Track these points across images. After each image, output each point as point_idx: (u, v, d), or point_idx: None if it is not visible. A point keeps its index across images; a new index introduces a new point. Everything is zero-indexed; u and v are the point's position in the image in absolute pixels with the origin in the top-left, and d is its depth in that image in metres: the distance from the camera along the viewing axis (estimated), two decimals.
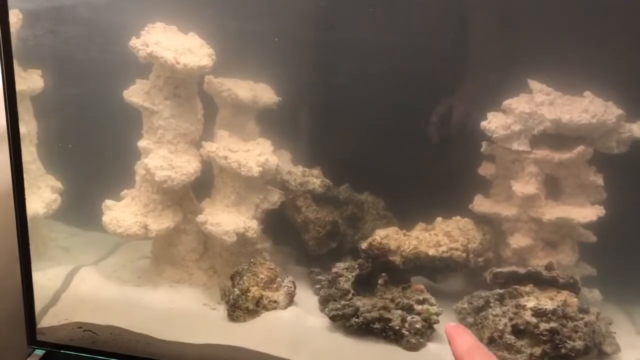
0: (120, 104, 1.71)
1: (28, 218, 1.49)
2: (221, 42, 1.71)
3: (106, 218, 1.69)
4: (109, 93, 1.74)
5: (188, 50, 1.64)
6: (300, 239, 1.88)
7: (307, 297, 1.74)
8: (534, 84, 1.69)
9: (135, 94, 1.69)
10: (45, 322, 1.60)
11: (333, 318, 1.58)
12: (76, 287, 1.72)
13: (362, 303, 1.59)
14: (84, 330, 1.58)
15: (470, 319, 1.63)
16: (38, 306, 1.60)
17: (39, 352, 1.61)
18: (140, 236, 1.68)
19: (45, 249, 1.87)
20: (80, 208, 1.94)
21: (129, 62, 1.66)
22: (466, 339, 0.82)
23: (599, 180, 1.69)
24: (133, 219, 1.69)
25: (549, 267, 1.63)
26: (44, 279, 1.69)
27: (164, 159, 1.67)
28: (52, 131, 1.82)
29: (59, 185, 1.84)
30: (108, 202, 1.73)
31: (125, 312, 1.62)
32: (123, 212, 1.71)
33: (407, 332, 1.55)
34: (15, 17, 1.55)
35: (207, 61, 1.64)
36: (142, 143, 1.71)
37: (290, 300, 1.67)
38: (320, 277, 1.77)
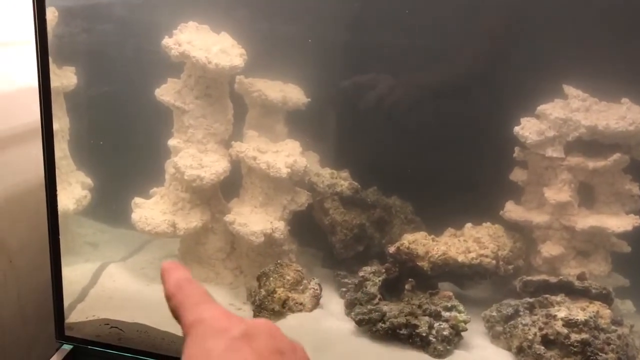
0: (151, 102, 1.73)
1: (59, 213, 1.51)
2: (252, 42, 1.71)
3: (135, 215, 1.70)
4: (141, 91, 1.76)
5: (220, 50, 1.64)
6: (326, 242, 1.87)
7: (333, 300, 1.73)
8: (569, 90, 1.66)
9: (166, 92, 1.70)
10: (73, 317, 1.62)
11: (359, 322, 1.57)
12: (104, 283, 1.73)
13: (389, 308, 1.57)
14: (111, 327, 1.59)
15: (499, 328, 1.60)
16: (66, 301, 1.62)
17: (67, 347, 1.62)
18: (169, 234, 1.69)
19: (74, 245, 1.89)
20: (109, 205, 1.96)
21: (162, 60, 1.67)
22: (177, 274, 0.69)
23: (635, 189, 1.65)
24: (162, 217, 1.69)
25: (581, 277, 1.59)
26: (72, 275, 1.71)
27: (193, 158, 1.68)
28: (83, 128, 1.84)
29: (89, 181, 1.86)
30: (137, 200, 1.74)
31: (151, 310, 1.62)
32: (152, 210, 1.72)
33: (434, 339, 1.53)
34: (51, 15, 1.57)
35: (238, 61, 1.64)
36: (172, 141, 1.72)
37: (316, 302, 1.66)
38: (346, 280, 1.76)
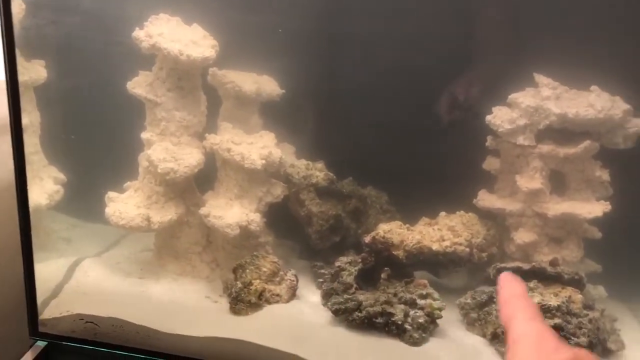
0: (123, 95, 1.71)
1: (30, 209, 1.49)
2: (225, 33, 1.70)
3: (109, 210, 1.68)
4: (113, 84, 1.74)
5: (191, 42, 1.63)
6: (303, 233, 1.87)
7: (309, 291, 1.73)
8: (540, 78, 1.68)
9: (138, 85, 1.68)
10: (47, 313, 1.60)
11: (335, 312, 1.58)
12: (78, 278, 1.72)
13: (365, 297, 1.58)
14: (86, 322, 1.57)
15: (473, 315, 1.62)
16: (40, 298, 1.60)
17: (41, 344, 1.60)
18: (143, 228, 1.67)
19: (47, 240, 1.86)
20: (83, 200, 1.94)
21: (133, 53, 1.65)
22: (512, 286, 0.78)
23: (605, 175, 1.67)
24: (136, 211, 1.68)
25: (554, 263, 1.62)
26: (46, 271, 1.69)
27: (166, 151, 1.66)
28: (55, 122, 1.81)
29: (61, 176, 1.84)
30: (111, 194, 1.72)
31: (127, 304, 1.61)
32: (126, 204, 1.71)
33: (409, 327, 1.54)
34: (17, 7, 1.55)
35: (210, 52, 1.63)
36: (145, 135, 1.71)
37: (293, 294, 1.66)
38: (323, 271, 1.76)
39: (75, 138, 1.87)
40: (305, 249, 1.90)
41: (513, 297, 0.76)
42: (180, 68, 1.65)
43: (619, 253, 1.75)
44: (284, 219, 1.88)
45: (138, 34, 1.61)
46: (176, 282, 1.74)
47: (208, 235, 1.81)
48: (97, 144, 1.91)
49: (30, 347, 1.60)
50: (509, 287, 0.78)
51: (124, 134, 1.82)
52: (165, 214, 1.70)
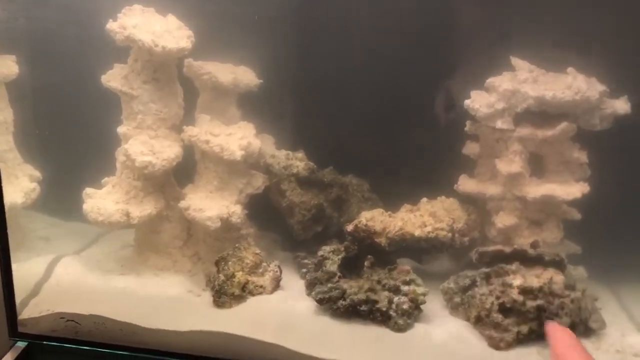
0: (98, 89, 1.68)
1: (6, 208, 1.46)
2: (200, 24, 1.68)
3: (87, 206, 1.66)
4: (87, 78, 1.71)
5: (167, 33, 1.61)
6: (284, 225, 1.87)
7: (293, 282, 1.73)
8: (517, 62, 1.68)
9: (113, 78, 1.66)
10: (26, 313, 1.57)
11: (320, 301, 1.57)
12: (58, 277, 1.69)
13: (349, 285, 1.58)
14: (67, 321, 1.55)
15: (457, 299, 1.63)
16: (19, 297, 1.57)
17: (21, 344, 1.57)
18: (122, 224, 1.65)
19: (24, 240, 1.83)
20: (60, 198, 1.91)
21: (107, 46, 1.62)
22: (564, 337, 0.85)
23: (583, 157, 1.69)
24: (114, 206, 1.66)
25: (535, 245, 1.63)
26: (24, 270, 1.66)
27: (144, 144, 1.64)
28: (28, 119, 1.78)
29: (37, 174, 1.81)
30: (88, 190, 1.69)
31: (108, 301, 1.59)
32: (104, 200, 1.68)
33: (394, 314, 1.55)
34: None
35: (185, 43, 1.61)
36: (121, 129, 1.68)
37: (277, 284, 1.66)
38: (306, 261, 1.76)
39: (49, 134, 1.84)
40: (287, 240, 1.89)
41: (569, 348, 0.82)
42: (156, 59, 1.63)
43: (599, 234, 1.78)
44: (264, 211, 1.87)
45: (112, 26, 1.59)
46: (158, 277, 1.72)
47: (189, 229, 1.79)
48: (72, 140, 1.89)
49: (10, 348, 1.58)
50: (561, 339, 0.84)
51: (100, 129, 1.80)
52: (144, 209, 1.68)
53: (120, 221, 1.64)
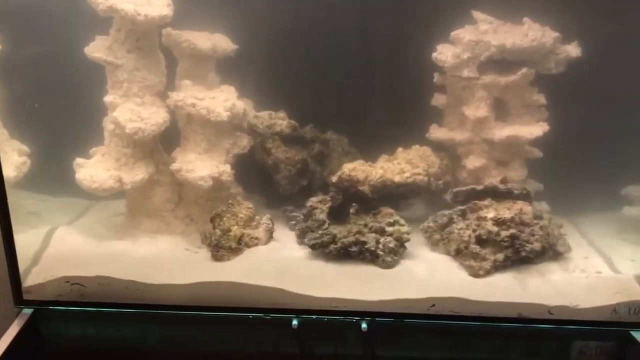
0: (80, 61, 1.72)
1: None
2: None
3: (80, 175, 1.70)
4: (68, 51, 1.74)
5: (147, 2, 1.66)
6: (267, 185, 1.96)
7: (284, 234, 1.83)
8: (477, 15, 1.81)
9: (97, 49, 1.70)
10: (30, 281, 1.62)
11: (313, 247, 1.68)
12: (56, 246, 1.74)
13: (338, 230, 1.70)
14: (72, 284, 1.61)
15: (437, 236, 1.76)
16: (20, 267, 1.61)
17: (27, 311, 1.62)
18: (116, 189, 1.71)
19: (16, 216, 1.85)
20: (45, 173, 1.93)
21: (88, 17, 1.67)
22: None
23: (542, 99, 1.84)
24: (106, 173, 1.71)
25: (504, 181, 1.78)
26: (22, 241, 1.68)
27: (132, 111, 1.70)
28: (12, 95, 1.80)
29: (25, 148, 1.84)
30: (79, 160, 1.74)
31: (110, 263, 1.65)
32: (95, 169, 1.73)
33: (382, 252, 1.67)
34: None
35: (167, 11, 1.67)
36: (108, 98, 1.73)
37: (270, 236, 1.76)
38: (294, 214, 1.86)
39: (32, 109, 1.85)
40: (272, 199, 1.98)
41: None
42: (139, 28, 1.68)
43: (557, 171, 1.94)
44: (247, 175, 1.95)
45: None
46: (153, 239, 1.79)
47: (180, 192, 1.86)
48: (53, 116, 1.91)
49: (17, 315, 1.62)
50: None
51: (80, 101, 1.84)
52: (136, 174, 1.74)
53: (114, 187, 1.70)
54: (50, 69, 1.85)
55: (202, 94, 1.78)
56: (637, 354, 1.55)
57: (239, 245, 1.69)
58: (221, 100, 1.76)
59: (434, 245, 1.77)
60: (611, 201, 1.95)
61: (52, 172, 1.91)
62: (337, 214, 1.78)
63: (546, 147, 1.89)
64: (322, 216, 1.72)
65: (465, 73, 1.80)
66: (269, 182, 1.93)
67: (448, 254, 1.73)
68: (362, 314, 1.59)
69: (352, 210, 1.76)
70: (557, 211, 1.94)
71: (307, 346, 1.63)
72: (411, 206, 1.97)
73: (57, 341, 1.66)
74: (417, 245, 1.77)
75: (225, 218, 1.70)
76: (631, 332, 1.59)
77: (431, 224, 1.78)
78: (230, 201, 1.75)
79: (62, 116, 1.90)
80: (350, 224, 1.74)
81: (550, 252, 1.71)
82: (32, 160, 1.85)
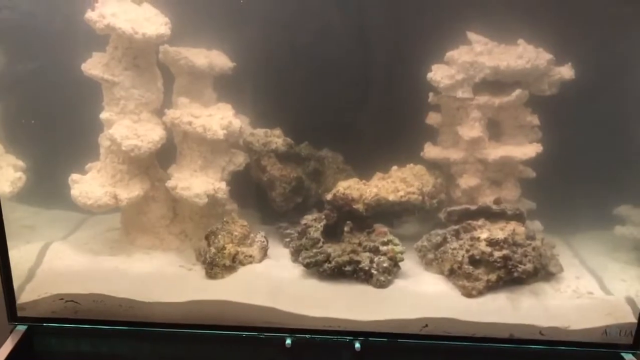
0: (76, 78, 1.73)
1: None
2: (172, 10, 1.74)
3: (75, 191, 1.70)
4: (65, 68, 1.75)
5: (144, 20, 1.67)
6: (262, 201, 1.96)
7: (278, 251, 1.83)
8: (472, 36, 1.83)
9: (94, 66, 1.71)
10: (24, 297, 1.62)
11: (307, 265, 1.69)
12: (50, 261, 1.74)
13: (333, 249, 1.71)
14: (66, 301, 1.61)
15: (430, 255, 1.77)
16: (14, 283, 1.61)
17: (21, 328, 1.62)
18: (111, 206, 1.71)
19: (9, 230, 1.85)
20: (41, 187, 1.94)
21: (84, 35, 1.67)
22: None
23: (535, 120, 1.86)
24: (102, 189, 1.71)
25: (497, 202, 1.79)
26: (16, 257, 1.68)
27: (128, 128, 1.70)
28: (8, 110, 1.81)
29: (21, 163, 1.84)
30: (74, 176, 1.74)
31: (104, 280, 1.66)
32: (91, 185, 1.73)
33: (375, 272, 1.68)
34: None
35: (164, 29, 1.68)
36: (104, 115, 1.73)
37: (265, 254, 1.76)
38: (289, 231, 1.87)
39: (29, 125, 1.86)
40: (267, 216, 1.99)
41: None
42: (136, 46, 1.69)
43: (550, 191, 1.96)
44: (242, 191, 1.96)
45: (91, 15, 1.63)
46: (148, 255, 1.80)
47: (174, 208, 1.87)
48: (48, 130, 1.91)
49: (11, 332, 1.62)
50: None
51: (76, 118, 1.84)
52: (131, 191, 1.74)
53: (109, 204, 1.70)
54: (47, 85, 1.85)
55: (198, 111, 1.79)
56: None
57: (234, 263, 1.70)
58: (218, 118, 1.76)
59: (427, 264, 1.78)
60: (604, 220, 1.97)
61: (46, 186, 1.91)
62: (332, 232, 1.79)
63: (540, 166, 1.90)
64: (317, 234, 1.73)
65: (460, 94, 1.82)
66: (264, 198, 1.93)
67: (442, 273, 1.74)
68: (356, 334, 1.60)
69: (346, 229, 1.77)
70: (550, 229, 1.95)
71: None
72: (405, 223, 1.98)
73: (51, 358, 1.66)
74: (411, 264, 1.78)
75: (220, 236, 1.71)
76: (622, 353, 1.60)
77: (425, 243, 1.79)
78: (225, 219, 1.76)
79: (58, 131, 1.90)
80: (345, 242, 1.75)
81: (543, 272, 1.72)
82: (28, 175, 1.85)
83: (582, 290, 1.72)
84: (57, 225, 1.95)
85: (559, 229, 2.01)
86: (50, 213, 2.02)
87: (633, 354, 1.60)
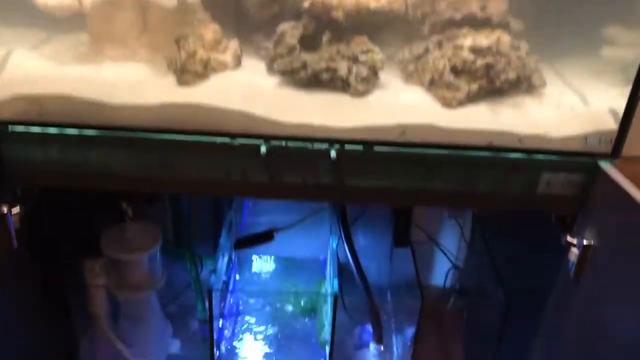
0: None
1: None
2: None
3: None
4: None
5: None
6: (236, 13, 1.85)
7: (252, 63, 1.75)
8: None
9: None
10: None
11: (282, 72, 1.63)
12: (12, 67, 1.66)
13: (310, 56, 1.63)
14: (30, 102, 1.55)
15: (411, 67, 1.71)
16: None
17: None
18: (74, 7, 1.61)
19: None
20: None
21: None
22: None
23: None
24: None
25: (483, 7, 1.70)
26: None
27: None
28: None
29: None
30: None
31: (71, 83, 1.58)
32: None
33: (353, 80, 1.62)
34: None
35: None
36: None
37: (238, 62, 1.69)
38: (265, 44, 1.78)
39: None
40: (241, 29, 1.87)
41: None
42: None
43: (540, 12, 1.86)
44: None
45: None
46: (118, 65, 1.71)
47: (144, 18, 1.76)
48: None
49: None
50: None
51: None
52: None
53: (72, 5, 1.60)
54: None
55: None
56: (604, 184, 1.57)
57: (205, 70, 1.62)
58: None
59: (408, 76, 1.72)
60: (592, 46, 1.90)
61: None
62: (309, 44, 1.71)
63: None
64: (293, 41, 1.65)
65: None
66: (238, 9, 1.82)
67: (422, 85, 1.68)
68: (332, 141, 1.57)
69: (325, 38, 1.68)
70: (535, 52, 1.89)
71: (275, 174, 1.62)
72: (387, 44, 1.90)
73: (20, 165, 1.62)
74: (391, 77, 1.72)
75: (190, 40, 1.62)
76: (599, 162, 1.59)
77: (406, 55, 1.73)
78: (195, 22, 1.66)
79: None
80: (323, 52, 1.67)
81: (525, 84, 1.68)
82: None
83: (564, 106, 1.68)
84: (19, 43, 1.84)
85: (545, 51, 1.94)
86: (10, 31, 1.90)
87: (611, 162, 1.59)
